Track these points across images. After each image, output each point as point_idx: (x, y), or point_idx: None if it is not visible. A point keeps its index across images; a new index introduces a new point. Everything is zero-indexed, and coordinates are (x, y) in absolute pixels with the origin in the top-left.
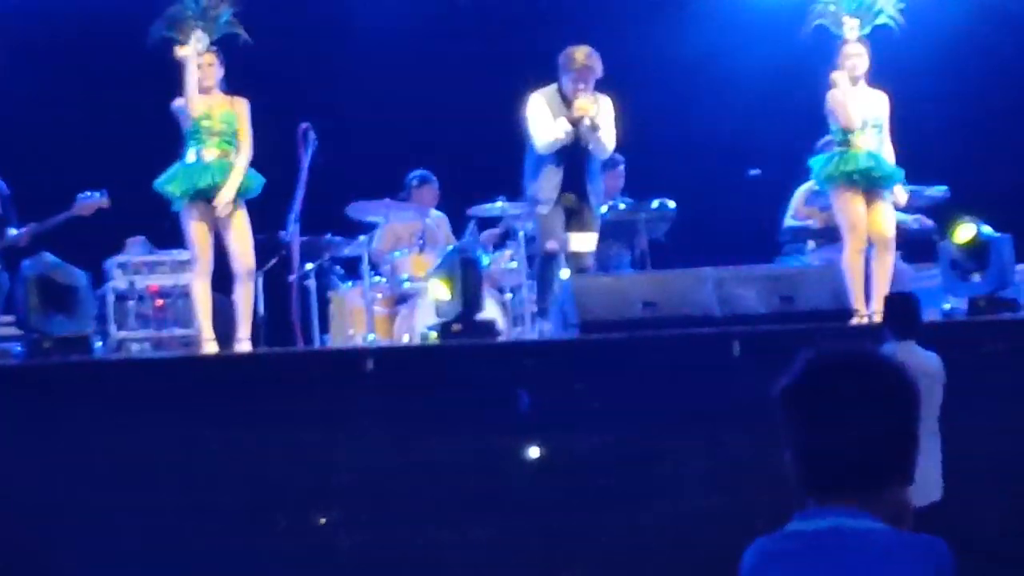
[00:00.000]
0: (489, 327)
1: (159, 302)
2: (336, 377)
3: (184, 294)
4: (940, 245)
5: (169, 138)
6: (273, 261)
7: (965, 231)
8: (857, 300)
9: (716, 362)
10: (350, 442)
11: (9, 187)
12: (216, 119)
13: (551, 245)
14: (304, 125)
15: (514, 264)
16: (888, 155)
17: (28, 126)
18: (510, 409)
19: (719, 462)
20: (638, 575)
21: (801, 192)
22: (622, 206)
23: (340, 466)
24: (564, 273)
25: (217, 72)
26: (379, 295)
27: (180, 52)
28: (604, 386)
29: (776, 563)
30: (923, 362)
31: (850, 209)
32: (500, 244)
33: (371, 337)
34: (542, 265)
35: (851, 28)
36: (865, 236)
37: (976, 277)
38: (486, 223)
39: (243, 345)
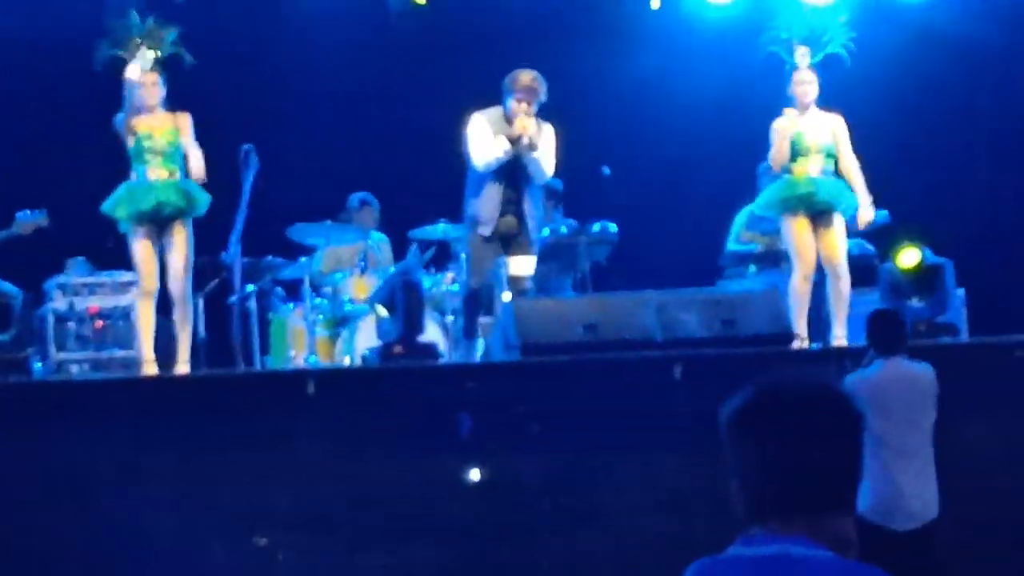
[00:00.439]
0: (430, 349)
1: (99, 323)
2: (277, 399)
3: (124, 315)
4: (880, 269)
5: (111, 157)
6: (214, 283)
7: (910, 256)
8: (800, 327)
9: (657, 385)
10: (290, 464)
11: None
12: (159, 138)
13: (475, 282)
14: (246, 147)
15: (456, 287)
16: (853, 175)
17: None
18: (451, 432)
19: (660, 485)
20: None
21: (743, 216)
22: (564, 229)
23: (280, 489)
24: (505, 296)
25: (160, 92)
26: (320, 317)
27: (128, 74)
28: (545, 409)
29: None
30: (914, 377)
31: (795, 236)
32: (442, 266)
33: (312, 359)
34: (467, 298)
35: (802, 55)
36: (811, 263)
37: (915, 301)
38: (428, 246)
39: (182, 367)
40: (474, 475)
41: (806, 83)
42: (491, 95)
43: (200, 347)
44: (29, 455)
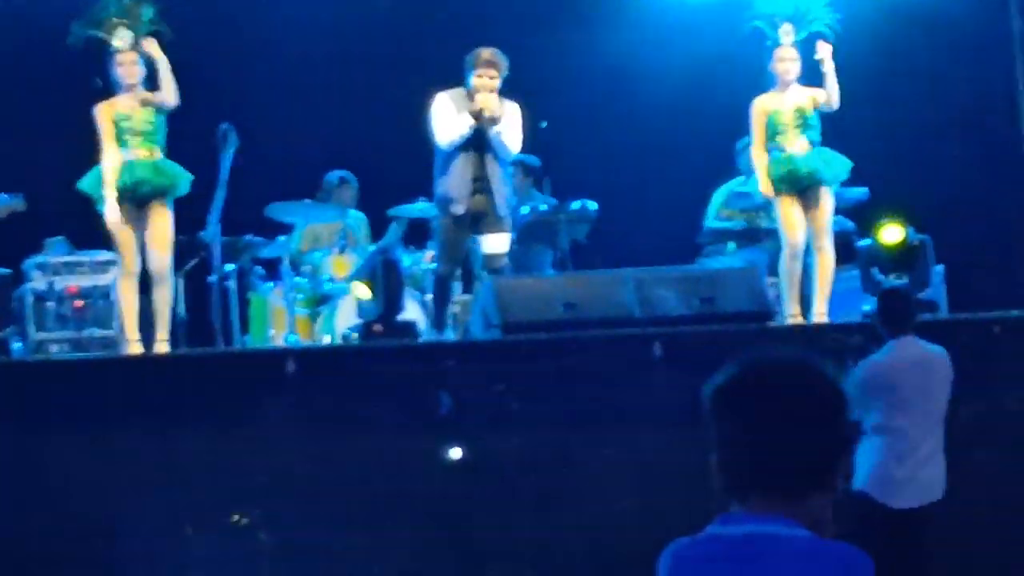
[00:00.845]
0: (410, 328)
1: (78, 303)
2: (257, 378)
3: (104, 295)
4: (859, 246)
5: (89, 137)
6: (193, 262)
7: (893, 232)
8: (792, 303)
9: (637, 363)
10: (270, 443)
11: None
12: (138, 119)
13: (446, 267)
14: (224, 126)
15: (435, 265)
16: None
17: None
18: (431, 410)
19: (640, 463)
20: None
21: (722, 193)
22: (543, 207)
23: (260, 467)
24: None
25: (140, 71)
26: (300, 296)
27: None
28: (525, 387)
29: (693, 566)
30: (928, 358)
31: (783, 214)
32: (422, 245)
33: (292, 338)
34: (437, 284)
35: (786, 33)
36: (800, 242)
37: (894, 278)
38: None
39: (161, 346)
40: (454, 454)
41: (788, 60)
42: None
43: (179, 326)
44: (9, 435)
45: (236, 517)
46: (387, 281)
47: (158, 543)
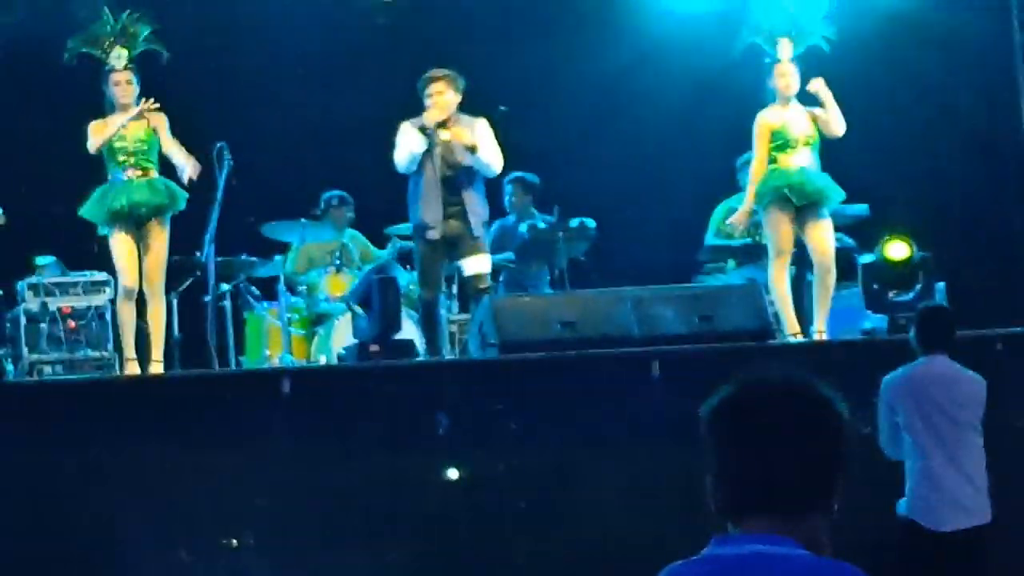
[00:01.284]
0: (407, 347)
1: (72, 324)
2: (252, 399)
3: (98, 315)
4: (862, 263)
5: (84, 157)
6: (188, 282)
7: (899, 248)
8: (788, 319)
9: (636, 382)
10: (266, 464)
11: None
12: (130, 139)
13: (428, 293)
14: (219, 145)
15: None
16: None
17: None
18: (428, 430)
19: (638, 483)
20: None
21: (721, 210)
22: (542, 225)
23: (256, 488)
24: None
25: (134, 90)
26: (295, 316)
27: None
28: (522, 406)
29: None
30: (956, 378)
31: (776, 226)
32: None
33: (287, 358)
34: (424, 311)
35: (784, 48)
36: (788, 254)
37: (896, 295)
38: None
39: (156, 367)
40: (452, 474)
41: (788, 75)
42: (466, 89)
43: (175, 346)
44: (2, 457)
45: (231, 538)
46: (384, 300)
47: (152, 565)
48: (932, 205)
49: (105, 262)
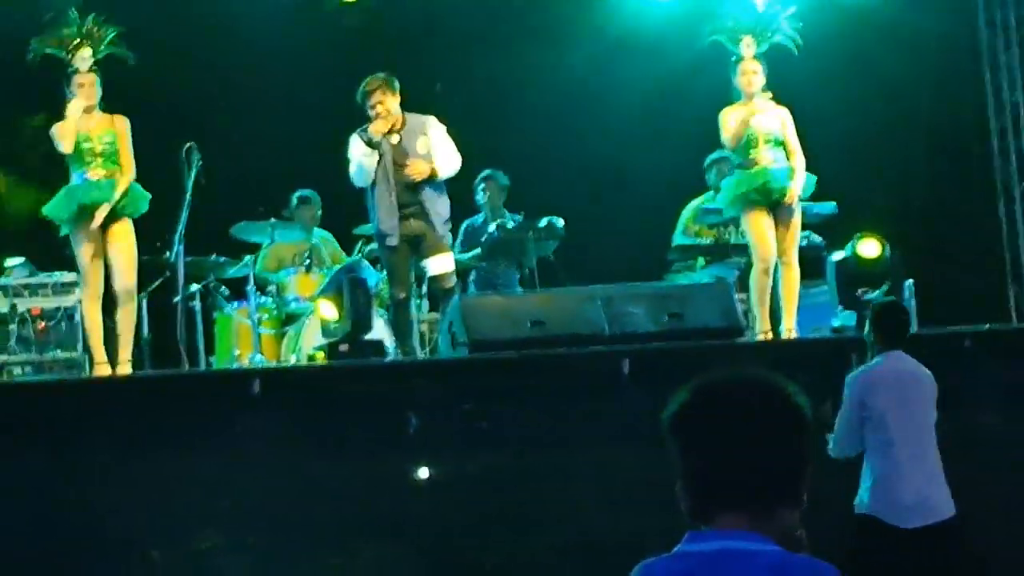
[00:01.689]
0: (377, 347)
1: (41, 325)
2: (222, 399)
3: (67, 316)
4: (832, 260)
5: (51, 157)
6: (157, 282)
7: (872, 246)
8: (762, 319)
9: (606, 380)
10: (236, 465)
11: None
12: (96, 140)
13: (398, 292)
14: (188, 145)
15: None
16: (797, 169)
17: None
18: (399, 430)
19: (610, 481)
20: None
21: (690, 209)
22: (511, 224)
23: (225, 488)
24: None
25: (97, 93)
26: (265, 316)
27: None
28: (493, 406)
29: None
30: (916, 374)
31: (754, 228)
32: None
33: (257, 359)
34: (395, 311)
35: (747, 46)
36: (771, 255)
37: (865, 292)
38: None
39: (124, 367)
40: (423, 473)
41: (751, 73)
42: (432, 91)
43: (144, 347)
44: None
45: (201, 538)
46: (355, 299)
47: (123, 565)
48: (899, 203)
49: (74, 263)
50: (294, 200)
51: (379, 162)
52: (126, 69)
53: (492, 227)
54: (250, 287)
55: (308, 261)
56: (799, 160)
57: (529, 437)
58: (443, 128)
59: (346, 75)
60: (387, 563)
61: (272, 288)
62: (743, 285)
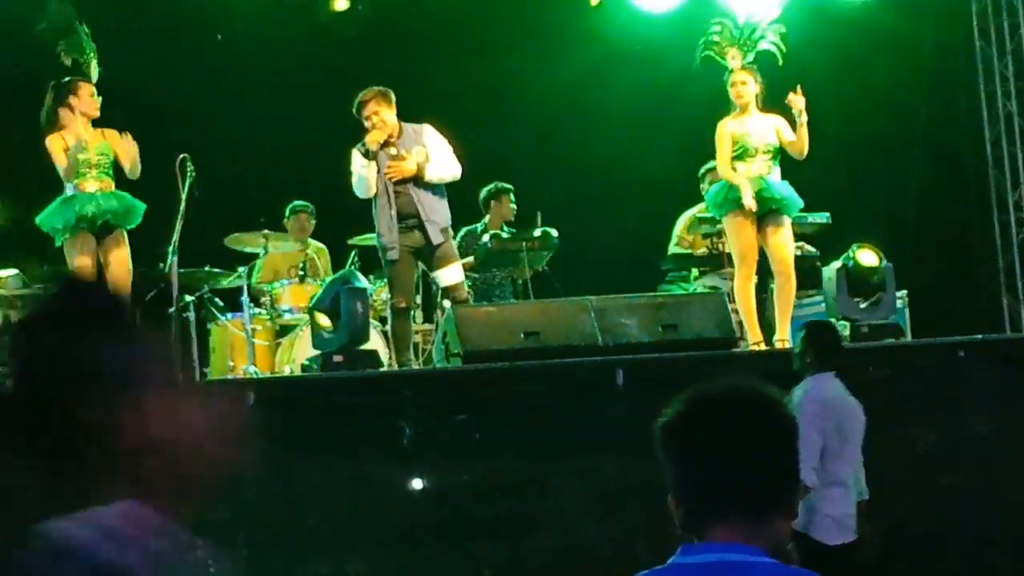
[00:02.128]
0: (371, 357)
1: None
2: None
3: None
4: (829, 271)
5: (43, 169)
6: (152, 293)
7: (869, 256)
8: (750, 328)
9: (600, 391)
10: (230, 475)
11: None
12: (93, 151)
13: (399, 302)
14: (181, 156)
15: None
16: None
17: None
18: (393, 440)
19: (603, 491)
20: None
21: (684, 219)
22: (504, 235)
23: (219, 499)
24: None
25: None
26: (259, 327)
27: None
28: (487, 416)
29: None
30: (845, 396)
31: (737, 235)
32: (382, 275)
33: (252, 369)
34: (393, 319)
35: (733, 58)
36: (752, 263)
37: (857, 302)
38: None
39: None
40: (415, 484)
41: (739, 84)
42: (427, 99)
43: None
44: None
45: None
46: (353, 310)
47: None
48: (893, 213)
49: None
50: (292, 210)
51: (378, 174)
52: (121, 81)
53: (486, 237)
54: (244, 298)
55: (303, 272)
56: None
57: (522, 448)
58: (439, 135)
59: (340, 86)
60: (381, 572)
61: (266, 299)
62: None
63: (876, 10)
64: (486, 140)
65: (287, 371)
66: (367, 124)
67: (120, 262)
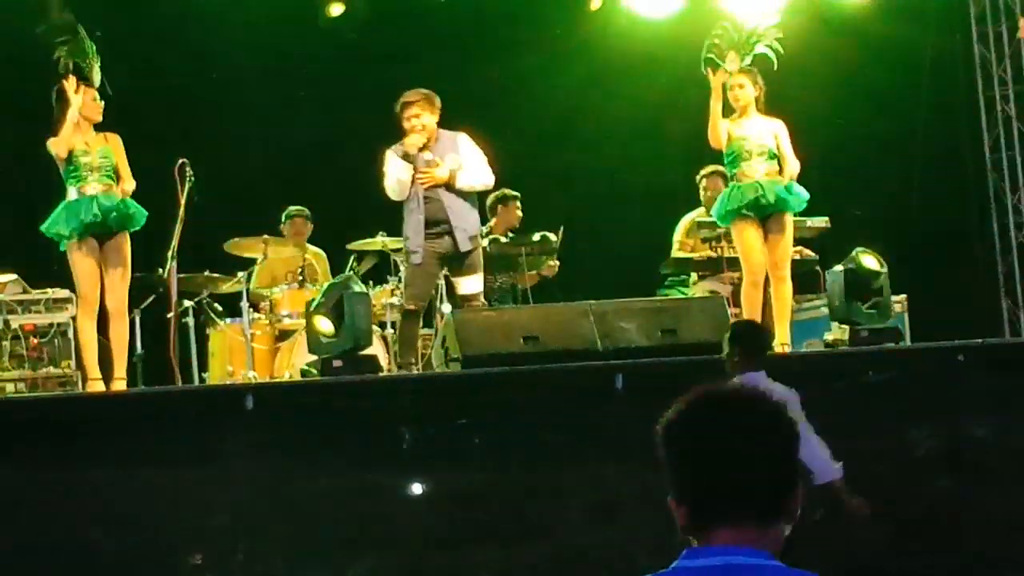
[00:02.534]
0: (371, 362)
1: (34, 341)
2: (216, 415)
3: (61, 333)
4: (831, 273)
5: (43, 173)
6: (151, 298)
7: (872, 259)
8: None
9: (599, 396)
10: (229, 480)
11: None
12: (95, 154)
13: (411, 304)
14: (180, 161)
15: (395, 299)
16: (786, 177)
17: None
18: (392, 445)
19: (603, 496)
20: None
21: (684, 224)
22: (504, 239)
23: (219, 505)
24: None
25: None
26: (258, 332)
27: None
28: (486, 421)
29: None
30: (782, 393)
31: (744, 241)
32: (381, 279)
33: (251, 374)
34: (402, 321)
35: (731, 61)
36: (760, 269)
37: (859, 306)
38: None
39: (119, 384)
40: (415, 489)
41: (736, 87)
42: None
43: (137, 363)
44: None
45: (194, 555)
46: (356, 314)
47: None
48: (893, 218)
49: (66, 279)
50: (291, 215)
51: (412, 179)
52: (120, 86)
53: (486, 242)
54: (243, 303)
55: (302, 276)
56: (791, 167)
57: (522, 452)
58: (474, 144)
59: (340, 91)
60: None
61: (265, 304)
62: (736, 300)
63: (875, 15)
64: (485, 146)
65: (286, 376)
66: (406, 125)
67: (118, 267)
